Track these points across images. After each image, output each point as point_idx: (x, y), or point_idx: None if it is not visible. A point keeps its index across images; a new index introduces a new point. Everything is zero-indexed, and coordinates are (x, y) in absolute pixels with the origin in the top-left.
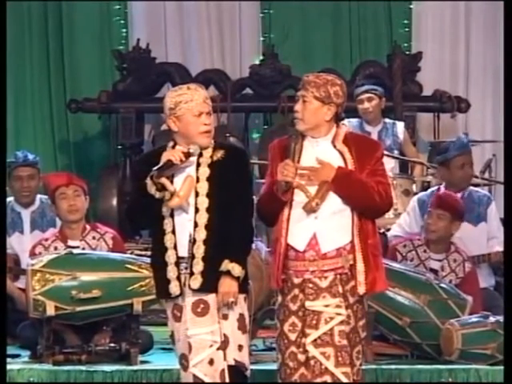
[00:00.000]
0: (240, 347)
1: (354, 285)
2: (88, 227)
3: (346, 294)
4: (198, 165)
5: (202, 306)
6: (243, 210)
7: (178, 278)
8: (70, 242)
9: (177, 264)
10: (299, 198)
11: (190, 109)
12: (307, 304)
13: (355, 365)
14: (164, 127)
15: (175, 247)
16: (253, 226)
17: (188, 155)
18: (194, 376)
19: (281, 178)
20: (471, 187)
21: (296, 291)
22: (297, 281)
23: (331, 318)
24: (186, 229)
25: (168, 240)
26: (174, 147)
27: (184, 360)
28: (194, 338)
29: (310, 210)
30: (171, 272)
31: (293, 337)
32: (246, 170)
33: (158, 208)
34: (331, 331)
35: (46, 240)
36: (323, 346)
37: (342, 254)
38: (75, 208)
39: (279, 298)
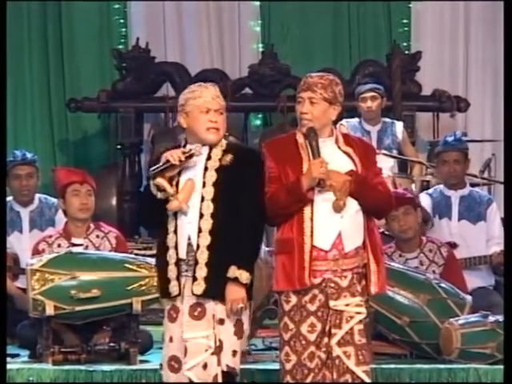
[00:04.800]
0: (234, 353)
1: (365, 284)
2: (92, 226)
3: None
4: (206, 169)
5: (199, 309)
6: (253, 216)
7: (178, 279)
8: (74, 240)
9: (177, 264)
10: (319, 197)
11: (198, 105)
12: (332, 304)
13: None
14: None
15: (176, 247)
16: (262, 232)
17: (189, 156)
18: (189, 380)
19: (319, 175)
20: (471, 188)
21: (315, 291)
22: (316, 281)
23: (351, 317)
24: (185, 231)
25: (170, 240)
26: (185, 145)
27: (174, 362)
28: (190, 341)
29: (338, 208)
30: (171, 272)
31: (312, 337)
32: (256, 174)
33: (165, 207)
34: (351, 330)
35: (50, 237)
36: (344, 345)
37: (359, 253)
38: (87, 207)
39: (293, 299)
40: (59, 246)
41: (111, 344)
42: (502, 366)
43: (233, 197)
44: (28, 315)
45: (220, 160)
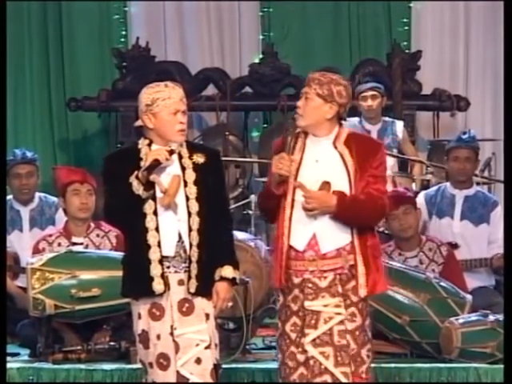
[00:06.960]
0: (216, 346)
1: (355, 284)
2: (92, 225)
3: (347, 293)
4: (183, 168)
5: (186, 305)
6: (228, 213)
7: (162, 276)
8: (74, 239)
9: (160, 262)
10: (300, 197)
11: (167, 106)
12: (306, 304)
13: (365, 363)
14: (138, 123)
15: (159, 245)
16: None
17: (171, 153)
18: (181, 376)
19: (275, 170)
20: (478, 188)
21: (296, 291)
22: (297, 281)
23: (330, 318)
24: (173, 228)
25: (151, 237)
26: (149, 145)
27: (163, 359)
28: (180, 337)
29: (307, 210)
30: (155, 270)
31: (293, 336)
32: (224, 173)
33: (141, 206)
34: (330, 331)
35: (50, 236)
36: (322, 345)
37: (341, 254)
38: (87, 207)
39: (281, 298)
40: (59, 244)
41: (111, 343)
42: (502, 366)
43: (211, 195)
44: (28, 314)
45: (191, 158)
